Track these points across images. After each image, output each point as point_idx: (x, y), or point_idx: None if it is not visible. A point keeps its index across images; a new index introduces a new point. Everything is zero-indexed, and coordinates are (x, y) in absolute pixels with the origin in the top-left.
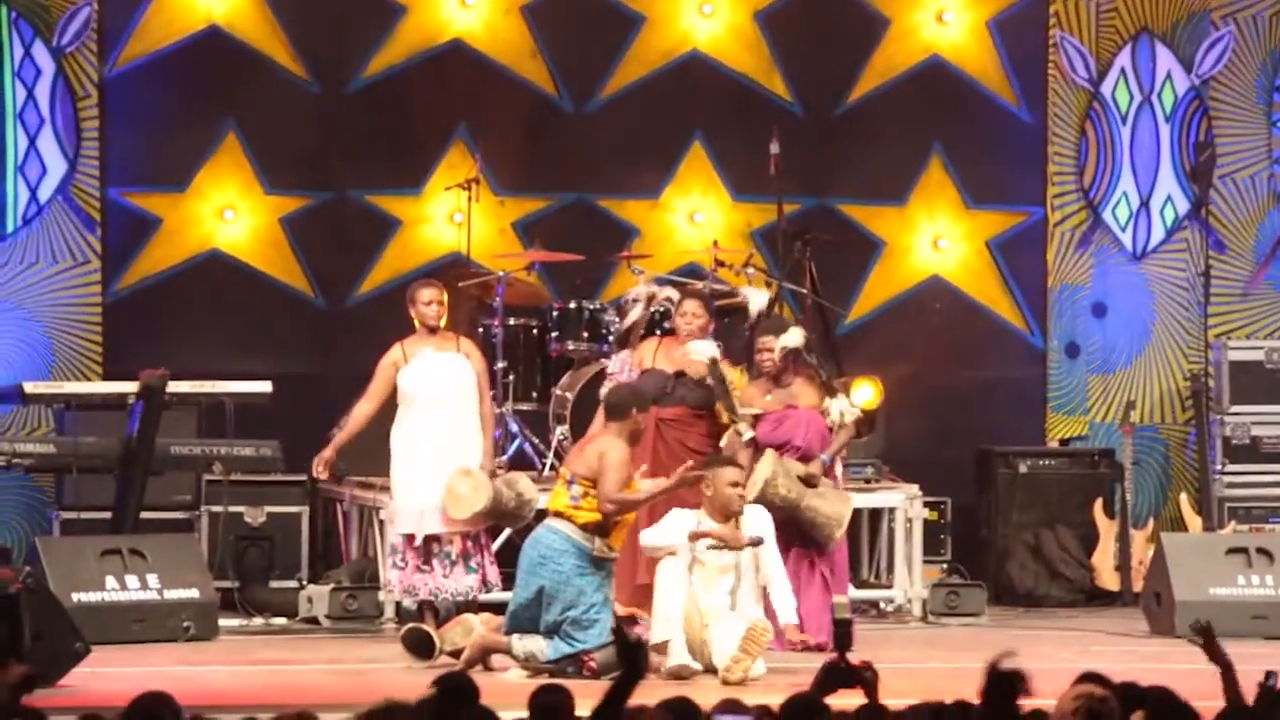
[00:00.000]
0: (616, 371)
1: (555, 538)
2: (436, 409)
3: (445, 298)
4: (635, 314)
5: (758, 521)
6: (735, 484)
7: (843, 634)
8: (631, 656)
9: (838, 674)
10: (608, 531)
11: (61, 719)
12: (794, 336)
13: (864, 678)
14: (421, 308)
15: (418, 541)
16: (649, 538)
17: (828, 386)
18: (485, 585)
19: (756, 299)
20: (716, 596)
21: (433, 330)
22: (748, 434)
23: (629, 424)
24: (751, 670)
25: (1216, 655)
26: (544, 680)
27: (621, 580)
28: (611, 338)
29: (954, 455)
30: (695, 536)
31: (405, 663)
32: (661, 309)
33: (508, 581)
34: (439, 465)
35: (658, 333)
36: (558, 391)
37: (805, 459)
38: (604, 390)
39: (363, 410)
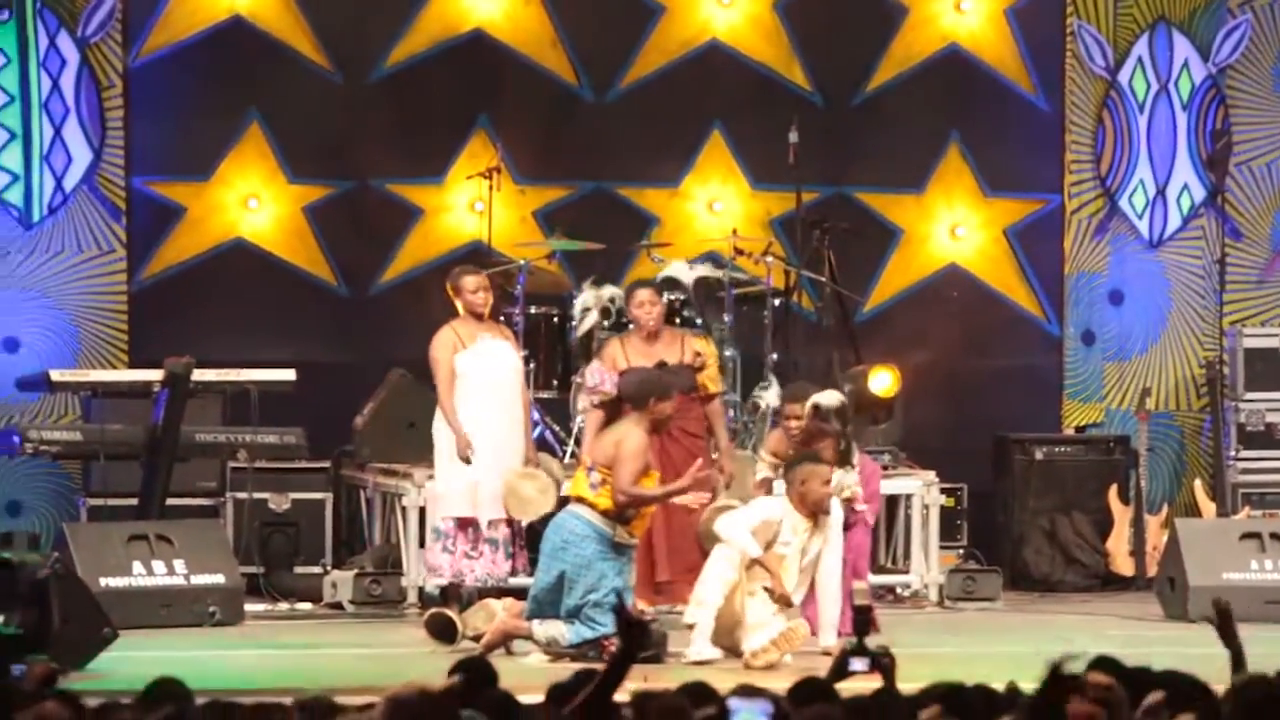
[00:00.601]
0: (598, 383)
1: (577, 523)
2: (489, 394)
3: (489, 284)
4: (589, 323)
5: (834, 514)
6: (829, 483)
7: (862, 620)
8: (630, 636)
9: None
10: (628, 518)
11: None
12: (828, 397)
13: (881, 663)
14: (469, 296)
15: (483, 526)
16: (728, 528)
17: (844, 455)
18: (514, 571)
19: (683, 273)
20: (763, 580)
21: (479, 317)
22: (762, 474)
23: (648, 413)
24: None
25: (1229, 639)
26: (565, 665)
27: (642, 577)
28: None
29: (971, 442)
30: (756, 564)
31: (428, 647)
32: (614, 309)
33: (532, 567)
34: (494, 451)
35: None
36: (578, 379)
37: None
38: (582, 404)
39: (450, 400)
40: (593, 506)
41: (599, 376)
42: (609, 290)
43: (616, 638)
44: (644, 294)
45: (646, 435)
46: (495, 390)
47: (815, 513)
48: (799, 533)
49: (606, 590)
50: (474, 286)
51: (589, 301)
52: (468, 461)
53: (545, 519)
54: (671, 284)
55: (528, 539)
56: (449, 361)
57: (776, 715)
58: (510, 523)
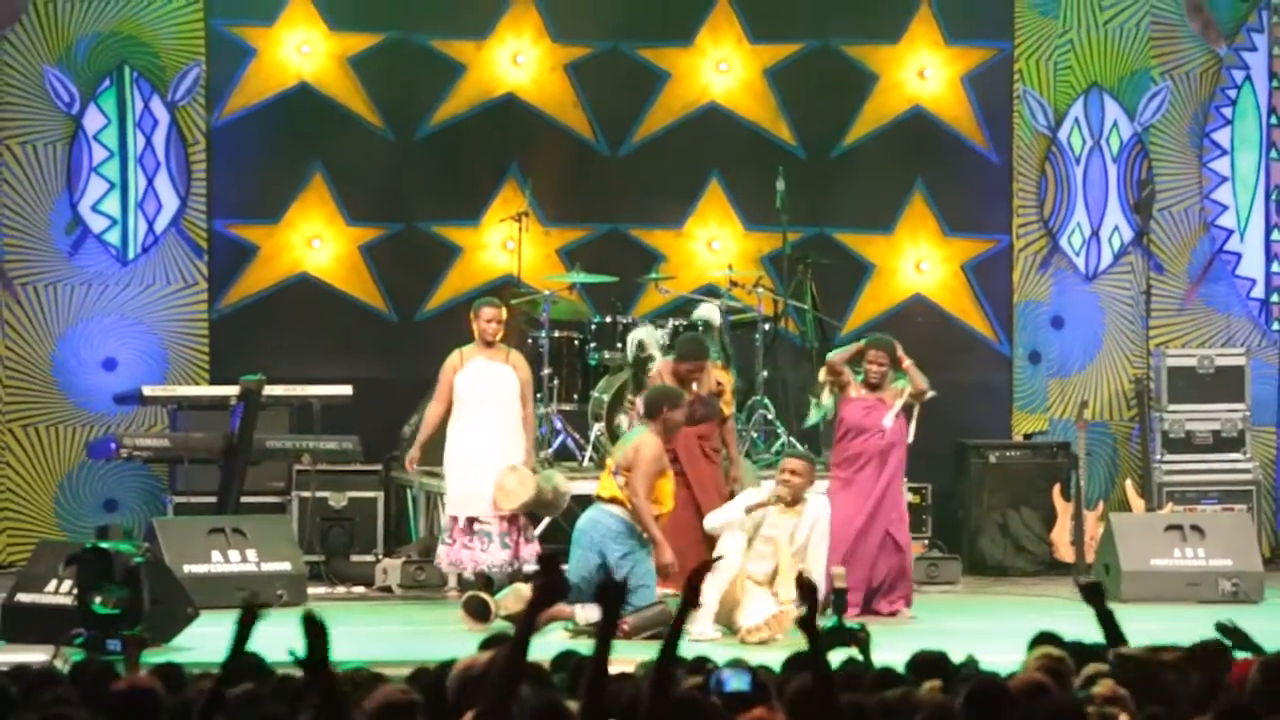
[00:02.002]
0: None
1: (613, 520)
2: (484, 409)
3: (504, 316)
4: (654, 351)
5: (818, 508)
6: (811, 480)
7: (840, 601)
8: (546, 581)
9: (836, 634)
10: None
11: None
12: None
13: (858, 637)
14: (482, 324)
15: (460, 523)
16: (714, 521)
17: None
18: (517, 559)
19: (711, 313)
20: (760, 565)
21: (488, 344)
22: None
23: (660, 422)
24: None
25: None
26: (584, 641)
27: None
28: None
29: (934, 447)
30: (752, 509)
31: (465, 625)
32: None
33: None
34: (483, 458)
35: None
36: (595, 394)
37: (889, 444)
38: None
39: (433, 411)
40: (624, 505)
41: None
42: (661, 337)
43: (630, 616)
44: (700, 364)
45: (662, 442)
46: (486, 406)
47: (795, 503)
48: (785, 514)
49: (639, 575)
50: (488, 316)
51: (646, 338)
52: (410, 467)
53: (573, 516)
54: (702, 322)
55: (552, 534)
56: (447, 380)
57: (755, 683)
58: (504, 518)
